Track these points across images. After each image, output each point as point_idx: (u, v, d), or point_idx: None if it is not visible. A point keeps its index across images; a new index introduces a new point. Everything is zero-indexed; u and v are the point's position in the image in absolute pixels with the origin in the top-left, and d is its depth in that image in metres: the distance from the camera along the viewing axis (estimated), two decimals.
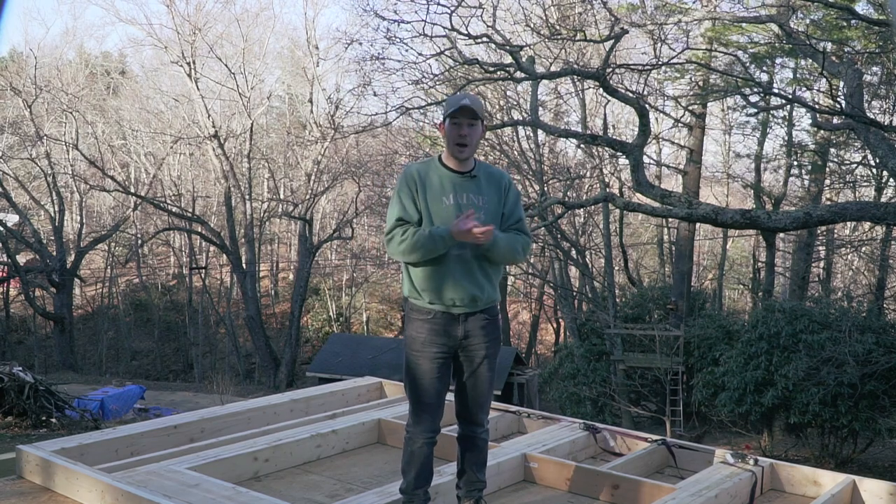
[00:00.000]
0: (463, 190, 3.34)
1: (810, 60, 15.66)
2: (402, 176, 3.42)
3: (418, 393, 3.42)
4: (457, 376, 3.47)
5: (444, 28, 13.11)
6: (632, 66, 13.99)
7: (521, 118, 18.51)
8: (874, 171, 19.78)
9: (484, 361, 3.42)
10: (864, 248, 22.67)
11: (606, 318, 20.00)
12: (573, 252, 22.47)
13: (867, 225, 21.36)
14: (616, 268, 23.13)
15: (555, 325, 32.79)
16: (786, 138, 23.99)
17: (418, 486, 3.47)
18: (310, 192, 30.89)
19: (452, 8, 12.35)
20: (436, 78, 16.03)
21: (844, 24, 13.56)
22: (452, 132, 3.31)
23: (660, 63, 15.24)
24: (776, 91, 16.86)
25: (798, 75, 21.08)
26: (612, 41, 11.70)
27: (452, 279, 3.30)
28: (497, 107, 21.33)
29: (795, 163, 23.74)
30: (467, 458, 3.55)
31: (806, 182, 24.37)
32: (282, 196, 36.24)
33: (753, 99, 19.47)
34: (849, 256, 25.30)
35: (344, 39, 29.67)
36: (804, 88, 20.54)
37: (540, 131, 20.08)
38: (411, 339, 3.39)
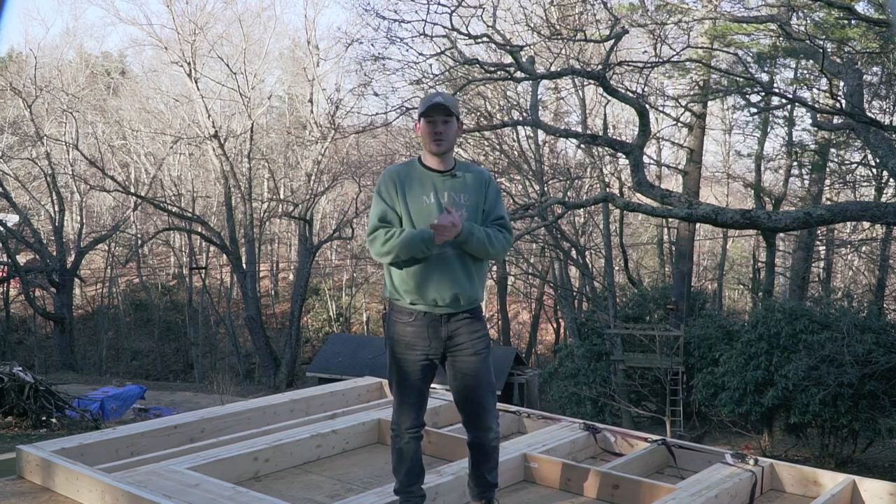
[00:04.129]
0: (444, 188, 3.34)
1: (811, 60, 15.67)
2: (382, 178, 3.42)
3: (402, 393, 3.43)
4: (453, 383, 3.43)
5: (444, 28, 13.12)
6: (632, 63, 13.97)
7: (521, 118, 18.50)
8: (874, 171, 19.79)
9: (474, 359, 3.38)
10: (864, 248, 22.67)
11: (606, 318, 20.00)
12: (573, 252, 22.47)
13: (867, 225, 21.37)
14: (616, 268, 23.13)
15: (555, 325, 32.80)
16: (786, 138, 24.02)
17: (411, 482, 3.47)
18: (310, 192, 30.89)
19: (453, 8, 12.35)
20: (436, 78, 16.02)
21: (845, 23, 13.56)
22: (428, 130, 3.33)
23: (660, 61, 15.24)
24: (777, 91, 16.86)
25: (799, 75, 21.10)
26: (612, 41, 11.69)
27: (433, 279, 3.29)
28: (497, 107, 21.33)
29: (795, 163, 23.75)
30: (479, 464, 3.53)
31: (806, 182, 24.39)
32: (282, 196, 36.24)
33: (754, 99, 19.49)
34: (849, 256, 25.30)
35: (344, 39, 29.68)
36: (805, 88, 20.55)
37: (540, 131, 20.08)
38: (394, 341, 3.39)
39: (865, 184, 21.85)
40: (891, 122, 17.49)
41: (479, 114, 20.15)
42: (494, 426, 3.49)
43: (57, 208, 31.43)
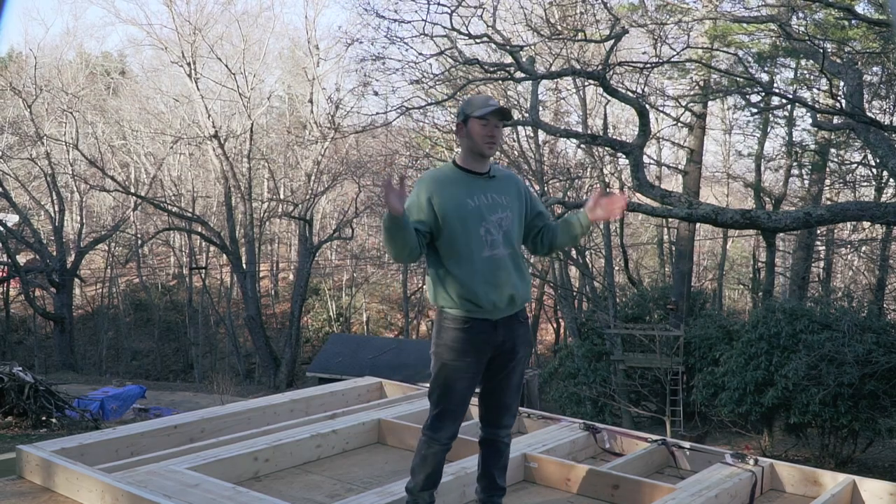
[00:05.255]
0: (485, 190, 3.32)
1: (811, 60, 15.67)
2: (418, 183, 3.36)
3: (446, 401, 3.35)
4: (484, 380, 3.41)
5: (444, 28, 13.13)
6: (632, 64, 13.97)
7: (521, 118, 18.50)
8: (874, 171, 19.78)
9: (514, 364, 3.39)
10: (864, 248, 22.67)
11: (606, 318, 20.00)
12: (573, 252, 22.47)
13: (867, 225, 21.37)
14: (616, 268, 23.13)
15: (555, 325, 32.79)
16: (786, 138, 24.02)
17: (426, 488, 3.45)
18: (310, 192, 30.89)
19: (453, 8, 12.35)
20: (436, 78, 16.03)
21: (846, 23, 13.56)
22: (483, 131, 3.28)
23: (660, 61, 15.24)
24: (777, 91, 16.86)
25: (799, 75, 21.09)
26: (612, 41, 11.69)
27: (490, 281, 3.24)
28: None
29: (795, 163, 23.74)
30: (489, 463, 3.51)
31: (806, 182, 24.38)
32: (282, 196, 36.24)
33: (754, 99, 19.48)
34: (849, 256, 25.30)
35: (345, 39, 29.65)
36: (805, 88, 20.54)
37: (540, 131, 20.08)
38: (447, 348, 3.28)
39: (865, 184, 21.84)
40: (891, 122, 17.48)
41: None
42: (510, 426, 3.51)
43: (57, 208, 31.44)
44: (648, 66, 13.93)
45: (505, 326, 3.32)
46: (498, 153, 21.61)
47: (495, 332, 3.29)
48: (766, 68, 19.76)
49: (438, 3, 12.38)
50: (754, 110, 22.24)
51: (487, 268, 3.24)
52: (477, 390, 3.50)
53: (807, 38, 11.86)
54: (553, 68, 16.49)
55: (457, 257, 3.25)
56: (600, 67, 11.44)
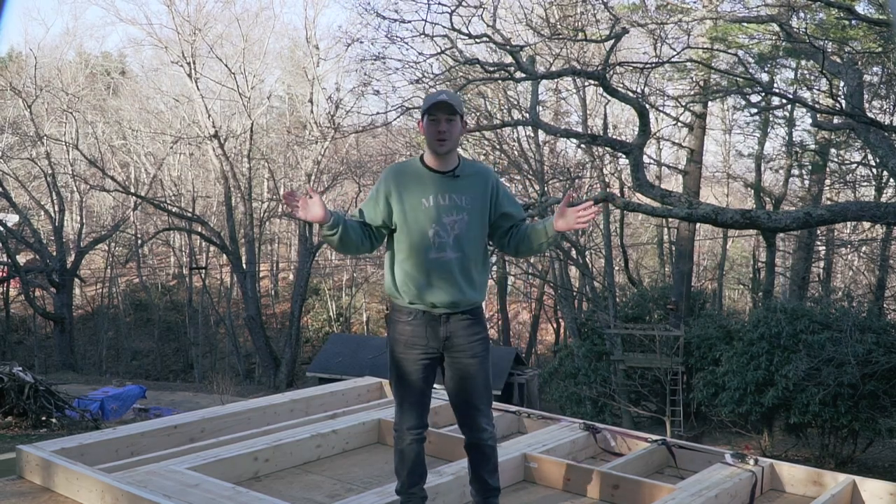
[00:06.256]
0: (444, 190, 3.27)
1: (811, 60, 15.67)
2: (382, 177, 3.38)
3: (403, 393, 3.40)
4: (449, 383, 3.41)
5: (444, 28, 13.13)
6: (632, 64, 13.98)
7: (521, 118, 18.50)
8: (874, 171, 19.78)
9: (472, 362, 3.34)
10: (864, 248, 22.67)
11: (606, 318, 20.00)
12: (573, 252, 22.46)
13: (867, 225, 21.36)
14: (616, 268, 23.14)
15: (555, 325, 32.78)
16: (786, 138, 24.03)
17: (412, 484, 3.44)
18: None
19: (453, 8, 12.35)
20: (436, 78, 16.02)
21: (846, 23, 13.55)
22: (431, 129, 3.24)
23: (660, 61, 15.25)
24: (777, 91, 16.85)
25: (799, 75, 21.10)
26: (612, 41, 11.69)
27: (433, 282, 3.25)
28: (497, 106, 21.33)
29: (795, 163, 23.75)
30: (478, 467, 3.49)
31: (806, 182, 24.39)
32: (282, 196, 36.21)
33: (754, 99, 19.48)
34: (849, 256, 25.30)
35: (345, 39, 29.66)
36: (805, 88, 20.54)
37: (540, 131, 20.08)
38: (394, 340, 3.36)
39: (865, 184, 21.85)
40: (891, 122, 17.48)
41: (479, 113, 20.15)
42: (489, 428, 3.43)
43: (57, 208, 31.43)
44: (648, 66, 13.93)
45: (450, 322, 3.30)
46: (498, 153, 21.69)
47: (440, 326, 3.29)
48: (766, 68, 19.75)
49: (438, 3, 12.39)
50: (754, 110, 22.26)
51: (432, 268, 3.24)
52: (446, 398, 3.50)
53: (807, 38, 11.85)
54: (553, 68, 16.49)
55: (406, 254, 3.29)
56: (600, 67, 11.43)
